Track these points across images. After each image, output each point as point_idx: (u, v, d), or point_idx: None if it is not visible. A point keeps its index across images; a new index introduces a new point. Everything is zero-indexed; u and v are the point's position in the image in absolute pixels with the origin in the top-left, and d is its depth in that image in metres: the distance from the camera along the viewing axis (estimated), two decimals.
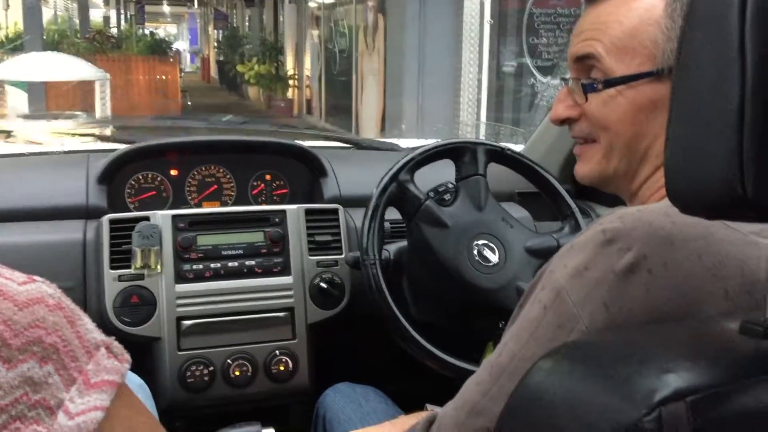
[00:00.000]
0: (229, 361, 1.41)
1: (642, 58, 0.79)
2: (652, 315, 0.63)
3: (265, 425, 1.43)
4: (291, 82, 13.64)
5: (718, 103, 0.50)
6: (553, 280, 0.69)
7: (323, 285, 1.47)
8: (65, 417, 0.43)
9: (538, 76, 6.32)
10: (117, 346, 0.48)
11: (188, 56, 30.67)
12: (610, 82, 0.81)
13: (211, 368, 1.40)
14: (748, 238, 0.66)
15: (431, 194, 1.31)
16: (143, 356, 1.39)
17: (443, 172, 1.37)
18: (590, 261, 0.66)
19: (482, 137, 5.24)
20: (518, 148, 1.87)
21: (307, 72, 13.06)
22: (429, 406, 1.18)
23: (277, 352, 1.44)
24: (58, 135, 2.06)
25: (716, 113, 0.50)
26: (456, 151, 1.33)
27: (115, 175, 1.57)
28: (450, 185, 1.34)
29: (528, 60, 6.41)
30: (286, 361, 1.44)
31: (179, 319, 1.39)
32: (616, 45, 0.81)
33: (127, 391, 0.48)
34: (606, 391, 0.52)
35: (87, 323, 0.47)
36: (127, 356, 0.48)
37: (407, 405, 1.27)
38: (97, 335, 0.47)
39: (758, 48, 0.48)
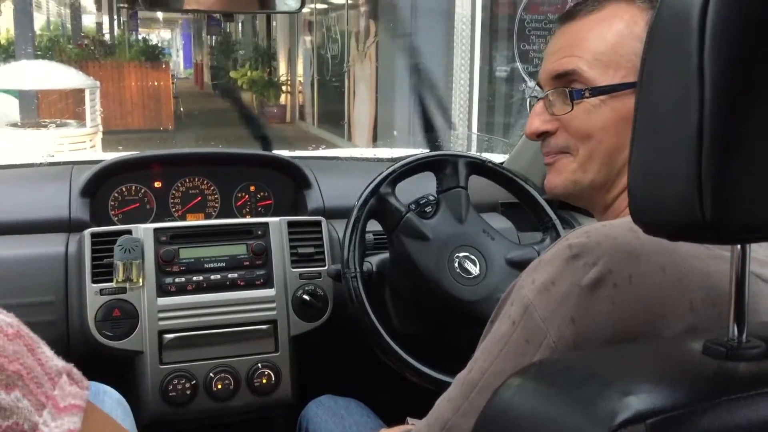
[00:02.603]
0: (211, 374, 1.40)
1: (626, 71, 0.81)
2: (619, 328, 0.64)
3: None
4: (284, 87, 13.64)
5: (677, 126, 0.51)
6: (522, 295, 0.69)
7: (306, 297, 1.47)
8: None
9: (529, 82, 6.34)
10: (77, 373, 0.49)
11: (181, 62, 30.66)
12: (597, 91, 0.82)
13: (194, 382, 1.39)
14: (714, 252, 0.67)
15: (412, 207, 1.31)
16: (125, 370, 1.39)
17: (425, 184, 1.37)
18: (557, 276, 0.67)
19: (473, 147, 5.25)
20: (504, 157, 1.88)
21: (299, 78, 13.06)
22: (409, 420, 1.18)
23: (259, 364, 1.43)
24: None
25: (676, 136, 0.51)
26: (437, 164, 1.33)
27: (98, 188, 1.57)
28: (431, 198, 1.34)
29: (519, 65, 6.42)
30: (269, 373, 1.44)
31: (161, 332, 1.39)
32: (599, 59, 0.82)
33: (93, 410, 0.49)
34: (569, 412, 0.52)
35: (46, 351, 0.47)
36: (87, 383, 0.49)
37: (389, 417, 1.28)
38: (58, 362, 0.47)
39: (717, 71, 0.48)
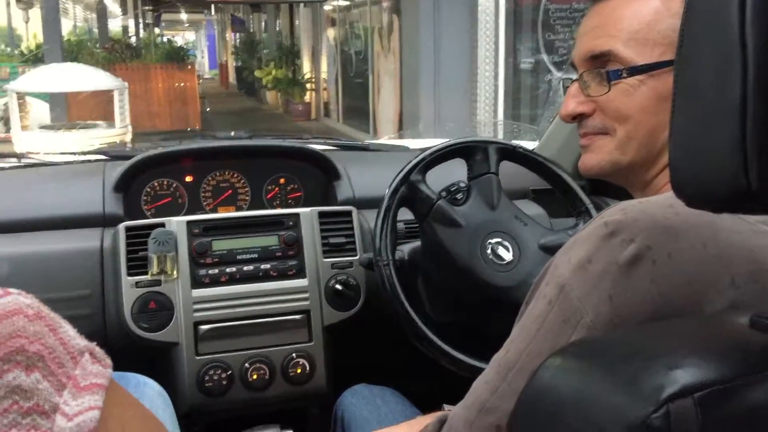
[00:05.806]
0: (246, 364, 1.41)
1: (662, 48, 0.80)
2: (658, 306, 0.63)
3: (283, 428, 1.44)
4: (308, 85, 13.69)
5: (719, 96, 0.50)
6: (557, 275, 0.68)
7: (338, 287, 1.47)
8: (63, 419, 0.43)
9: (555, 72, 6.29)
10: (99, 351, 0.49)
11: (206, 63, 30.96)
12: (635, 70, 0.81)
13: (229, 372, 1.40)
14: (755, 227, 0.65)
15: (443, 194, 1.31)
16: (162, 361, 1.40)
17: (455, 171, 1.36)
18: (593, 254, 0.66)
19: (500, 136, 5.22)
20: (533, 145, 1.86)
21: (323, 75, 13.10)
22: (446, 406, 1.18)
23: (294, 354, 1.44)
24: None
25: (718, 106, 0.50)
26: (467, 150, 1.33)
27: (131, 183, 1.59)
28: (462, 184, 1.33)
29: (545, 56, 6.37)
30: (303, 363, 1.44)
31: (196, 323, 1.40)
32: (634, 38, 0.81)
33: (115, 388, 0.49)
34: (613, 390, 0.51)
35: (69, 330, 0.48)
36: (109, 361, 0.49)
37: (425, 405, 1.27)
38: (80, 341, 0.48)
39: (759, 39, 0.47)
